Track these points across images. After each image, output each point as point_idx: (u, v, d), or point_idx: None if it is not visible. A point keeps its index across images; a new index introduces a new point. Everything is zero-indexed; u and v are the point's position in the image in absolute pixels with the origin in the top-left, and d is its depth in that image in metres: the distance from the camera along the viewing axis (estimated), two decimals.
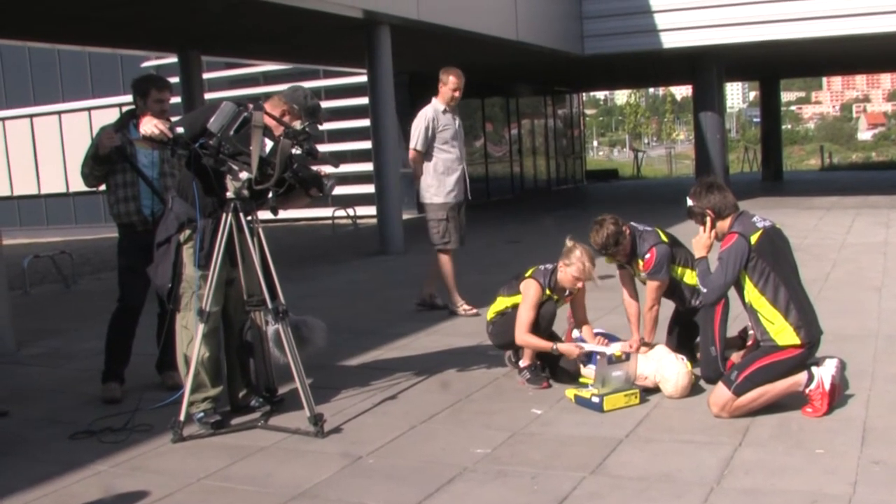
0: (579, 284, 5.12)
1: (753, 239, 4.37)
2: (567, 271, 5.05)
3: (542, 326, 5.11)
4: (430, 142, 7.24)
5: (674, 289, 5.23)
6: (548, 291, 5.12)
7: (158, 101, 5.27)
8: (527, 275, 5.20)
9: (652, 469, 3.75)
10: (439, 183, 7.27)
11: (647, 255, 5.10)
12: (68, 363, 6.46)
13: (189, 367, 4.51)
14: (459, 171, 7.31)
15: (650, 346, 5.03)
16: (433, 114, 7.23)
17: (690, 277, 5.05)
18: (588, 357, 5.03)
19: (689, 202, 4.62)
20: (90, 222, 24.57)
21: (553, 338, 5.24)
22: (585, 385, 4.79)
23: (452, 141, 7.26)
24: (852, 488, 3.42)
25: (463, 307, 7.25)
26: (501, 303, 5.34)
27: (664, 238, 5.17)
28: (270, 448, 4.27)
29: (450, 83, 7.18)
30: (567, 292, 5.19)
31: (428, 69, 18.58)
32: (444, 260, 7.36)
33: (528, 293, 5.10)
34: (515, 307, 5.17)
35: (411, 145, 7.29)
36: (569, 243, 5.10)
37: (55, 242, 18.55)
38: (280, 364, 4.63)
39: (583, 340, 5.21)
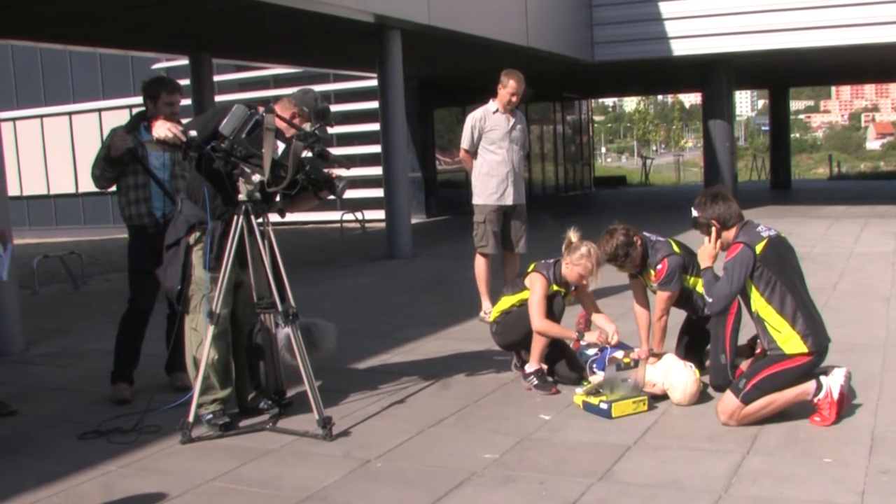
0: (584, 282, 5.16)
1: (759, 248, 4.37)
2: (574, 270, 5.08)
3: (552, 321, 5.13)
4: (477, 142, 7.24)
5: (686, 298, 5.23)
6: (554, 286, 5.15)
7: (169, 104, 5.30)
8: (529, 270, 5.25)
9: (660, 476, 3.75)
10: (481, 184, 7.25)
11: (659, 266, 5.10)
12: (77, 363, 6.49)
13: (198, 368, 4.52)
14: (504, 174, 7.19)
15: (658, 356, 5.03)
16: (482, 114, 7.23)
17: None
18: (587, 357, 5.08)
19: (694, 213, 4.62)
20: (99, 223, 24.68)
21: None
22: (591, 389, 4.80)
23: (500, 142, 7.19)
24: (860, 498, 3.42)
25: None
26: (506, 302, 5.36)
27: (677, 249, 5.17)
28: (279, 450, 4.28)
29: (508, 87, 7.10)
30: (573, 287, 5.22)
31: (438, 74, 18.82)
32: (479, 262, 7.33)
33: (535, 285, 5.13)
34: (521, 304, 5.21)
35: (460, 144, 7.37)
36: (573, 238, 5.12)
37: (64, 242, 18.65)
38: (289, 366, 4.65)
39: (589, 346, 5.22)
